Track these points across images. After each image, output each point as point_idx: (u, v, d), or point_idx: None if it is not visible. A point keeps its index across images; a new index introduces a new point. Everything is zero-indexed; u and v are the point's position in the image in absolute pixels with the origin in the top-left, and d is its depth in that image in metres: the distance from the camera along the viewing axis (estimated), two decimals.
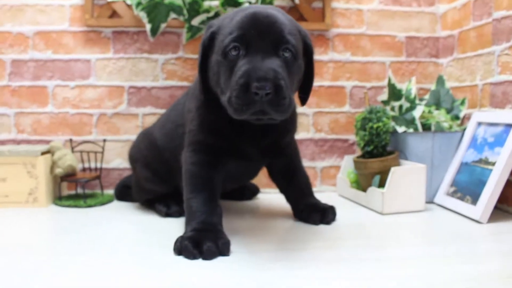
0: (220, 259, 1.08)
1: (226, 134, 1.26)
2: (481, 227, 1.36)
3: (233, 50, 1.11)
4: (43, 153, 1.66)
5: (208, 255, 1.07)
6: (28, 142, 1.84)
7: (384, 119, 1.61)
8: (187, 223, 1.19)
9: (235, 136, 1.26)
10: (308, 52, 1.24)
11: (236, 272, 1.00)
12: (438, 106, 1.79)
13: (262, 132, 1.28)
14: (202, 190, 1.23)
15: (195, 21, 1.70)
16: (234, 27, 1.12)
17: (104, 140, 1.80)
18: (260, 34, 1.10)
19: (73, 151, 1.77)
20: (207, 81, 1.21)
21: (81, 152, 1.79)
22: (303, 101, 1.30)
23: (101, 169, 1.78)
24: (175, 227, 1.37)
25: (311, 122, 1.91)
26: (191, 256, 1.08)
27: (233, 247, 1.13)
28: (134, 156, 1.60)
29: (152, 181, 1.54)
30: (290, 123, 1.36)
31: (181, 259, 1.08)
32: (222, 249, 1.10)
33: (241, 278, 0.96)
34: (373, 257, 1.09)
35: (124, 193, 1.73)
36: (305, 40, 1.23)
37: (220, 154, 1.28)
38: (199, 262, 1.06)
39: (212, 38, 1.18)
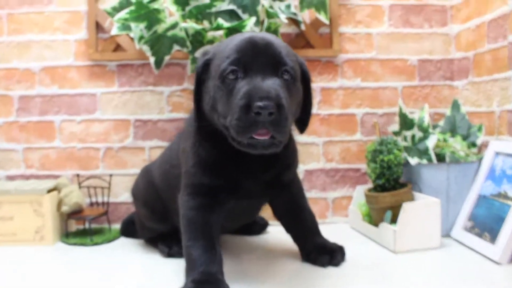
0: None
1: (224, 171, 1.21)
2: (499, 269, 1.28)
3: (231, 74, 1.08)
4: (49, 191, 1.65)
5: None
6: (36, 177, 1.84)
7: (395, 151, 1.54)
8: (187, 273, 1.16)
9: (234, 172, 1.22)
10: (305, 80, 1.21)
11: None
12: (453, 132, 1.71)
13: (262, 166, 1.23)
14: (201, 237, 1.19)
15: (199, 53, 1.67)
16: (231, 50, 1.09)
17: (111, 175, 1.78)
18: (258, 56, 1.08)
19: (80, 187, 1.76)
20: (201, 108, 1.19)
21: (88, 187, 1.78)
22: (302, 129, 1.27)
23: (108, 204, 1.76)
24: (178, 269, 1.33)
25: (322, 152, 1.85)
26: None
27: None
28: (135, 194, 1.58)
29: (152, 219, 1.51)
30: (291, 157, 1.32)
31: None
32: None
33: None
34: None
35: (130, 229, 1.70)
36: (302, 67, 1.20)
37: (218, 194, 1.24)
38: None
39: (207, 64, 1.16)
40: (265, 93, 1.01)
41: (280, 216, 1.45)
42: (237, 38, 1.12)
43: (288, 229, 1.45)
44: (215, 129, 1.16)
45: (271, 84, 1.05)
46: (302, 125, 1.26)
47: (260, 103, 1.00)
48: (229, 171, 1.21)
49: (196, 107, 1.20)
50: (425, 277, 1.24)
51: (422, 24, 1.86)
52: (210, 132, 1.18)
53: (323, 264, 1.34)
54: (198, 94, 1.19)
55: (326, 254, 1.35)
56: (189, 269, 1.16)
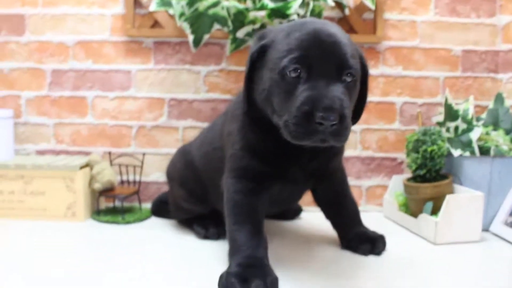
0: None
1: (271, 157, 1.18)
2: None
3: (293, 72, 1.02)
4: (81, 167, 1.63)
5: None
6: (67, 152, 1.82)
7: (439, 142, 1.50)
8: (231, 257, 1.12)
9: (281, 159, 1.19)
10: (363, 73, 1.16)
11: None
12: (496, 126, 1.67)
13: (310, 154, 1.20)
14: (246, 221, 1.16)
15: (241, 33, 1.63)
16: (293, 45, 1.03)
17: (144, 154, 1.75)
18: (323, 57, 1.01)
19: (111, 164, 1.73)
20: (252, 94, 1.14)
21: (119, 165, 1.75)
22: (354, 121, 1.21)
23: (139, 182, 1.74)
24: (214, 252, 1.31)
25: (358, 139, 1.81)
26: None
27: (280, 283, 1.06)
28: (171, 174, 1.55)
29: (188, 200, 1.48)
30: (339, 146, 1.28)
31: None
32: (270, 287, 1.02)
33: None
34: None
35: (161, 209, 1.68)
36: (362, 61, 1.14)
37: (264, 180, 1.21)
38: None
39: (262, 51, 1.10)
40: (329, 103, 0.97)
41: (321, 202, 1.41)
42: (301, 29, 1.05)
43: (329, 216, 1.42)
44: (264, 116, 1.13)
45: (336, 92, 1.00)
46: (355, 116, 1.20)
47: (323, 114, 0.96)
48: (277, 157, 1.18)
49: (246, 94, 1.14)
50: (466, 270, 1.22)
51: (469, 14, 1.81)
52: (259, 118, 1.15)
53: (365, 253, 1.32)
54: (249, 81, 1.14)
55: (368, 243, 1.33)
56: (233, 253, 1.13)
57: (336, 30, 1.06)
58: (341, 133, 0.99)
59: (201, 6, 1.59)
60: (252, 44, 1.15)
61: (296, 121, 0.99)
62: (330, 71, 1.02)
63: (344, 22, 1.76)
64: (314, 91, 0.99)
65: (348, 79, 1.04)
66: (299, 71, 1.02)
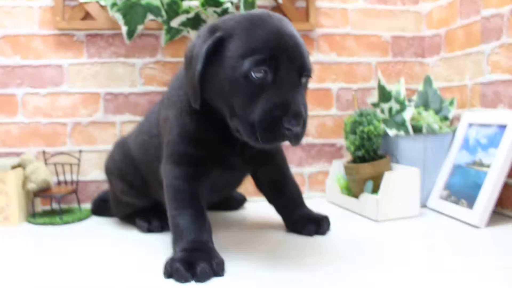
0: (215, 281, 0.99)
1: (209, 144, 1.17)
2: (479, 232, 1.32)
3: (259, 74, 1.00)
4: (13, 167, 1.54)
5: (202, 277, 0.99)
6: None
7: (375, 122, 1.55)
8: (175, 243, 1.10)
9: (219, 146, 1.18)
10: None
11: None
12: (426, 107, 1.75)
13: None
14: (188, 206, 1.14)
15: (174, 23, 1.61)
16: (258, 44, 1.00)
17: (80, 151, 1.69)
18: (288, 60, 1.01)
19: (46, 164, 1.65)
20: (203, 92, 1.08)
21: (55, 164, 1.67)
22: None
23: (77, 182, 1.67)
24: (159, 244, 1.28)
25: None
26: (183, 279, 0.99)
27: (226, 266, 1.05)
28: (110, 168, 1.50)
29: (129, 194, 1.45)
30: None
31: (172, 282, 0.99)
32: (216, 269, 1.01)
33: None
34: (378, 270, 1.03)
35: (102, 207, 1.62)
36: None
37: (202, 165, 1.19)
38: (192, 285, 0.97)
39: (218, 45, 1.04)
40: (298, 110, 0.98)
41: (263, 187, 1.42)
42: (262, 25, 1.02)
43: (272, 200, 1.42)
44: (210, 110, 1.11)
45: (300, 97, 1.02)
46: None
47: (294, 121, 0.97)
48: (214, 144, 1.18)
49: (198, 92, 1.06)
50: (409, 244, 1.26)
51: (396, 2, 1.89)
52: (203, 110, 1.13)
53: (310, 233, 1.34)
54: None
55: (312, 223, 1.34)
56: (177, 239, 1.10)
57: (293, 29, 1.07)
58: (302, 136, 1.04)
59: None
60: (198, 38, 1.09)
61: (266, 126, 0.99)
62: (294, 74, 1.03)
63: (277, 10, 1.79)
64: (282, 96, 1.00)
65: (304, 80, 1.07)
66: (265, 73, 1.00)
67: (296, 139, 1.03)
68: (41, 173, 1.56)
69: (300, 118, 0.99)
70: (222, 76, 1.03)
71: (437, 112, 1.73)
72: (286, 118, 0.98)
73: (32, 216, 1.58)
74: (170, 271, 1.01)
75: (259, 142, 1.01)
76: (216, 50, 1.04)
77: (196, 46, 1.07)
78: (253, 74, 1.00)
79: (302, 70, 1.04)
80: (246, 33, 1.02)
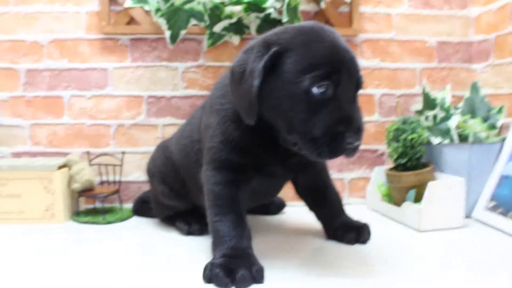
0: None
1: (252, 152, 1.17)
2: None
3: (320, 89, 0.99)
4: (59, 167, 1.59)
5: (241, 284, 0.99)
6: (43, 154, 1.77)
7: (419, 130, 1.51)
8: (215, 248, 1.11)
9: (262, 154, 1.17)
10: None
11: None
12: (473, 114, 1.69)
13: (291, 151, 1.18)
14: (228, 212, 1.14)
15: (217, 28, 1.63)
16: (319, 59, 0.99)
17: (123, 152, 1.73)
18: (347, 75, 1.01)
19: (90, 164, 1.70)
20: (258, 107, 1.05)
21: (98, 165, 1.72)
22: None
23: (119, 182, 1.71)
24: (199, 247, 1.29)
25: None
26: (223, 284, 0.99)
27: (266, 273, 1.04)
28: (151, 171, 1.52)
29: (169, 196, 1.46)
30: None
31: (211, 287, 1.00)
32: (256, 276, 1.01)
33: None
34: (423, 283, 1.00)
35: (143, 208, 1.65)
36: None
37: (243, 172, 1.19)
38: None
39: (275, 59, 1.01)
40: (359, 125, 1.01)
41: (303, 194, 1.41)
42: (317, 39, 1.01)
43: (312, 207, 1.41)
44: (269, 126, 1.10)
45: (358, 111, 1.04)
46: None
47: (356, 136, 0.99)
48: (257, 152, 1.17)
49: (254, 107, 1.03)
50: (451, 255, 1.22)
51: (442, 6, 1.84)
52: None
53: (350, 242, 1.32)
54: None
55: (353, 232, 1.32)
56: (217, 245, 1.11)
57: (344, 42, 1.06)
58: (358, 149, 1.05)
59: (177, 1, 1.59)
60: (248, 52, 1.06)
61: (329, 141, 0.99)
62: (352, 88, 1.04)
63: (320, 16, 1.77)
64: (343, 111, 1.00)
65: (357, 94, 1.07)
66: (326, 88, 0.99)
67: (354, 152, 1.03)
68: (86, 174, 1.61)
69: (361, 133, 1.01)
70: (281, 91, 1.02)
71: (484, 120, 1.67)
72: (349, 134, 0.99)
73: (77, 214, 1.62)
74: (210, 276, 1.02)
75: (321, 156, 1.01)
76: (272, 65, 1.02)
77: (249, 61, 1.04)
78: (314, 89, 0.99)
79: (358, 84, 1.05)
80: (303, 48, 1.01)
